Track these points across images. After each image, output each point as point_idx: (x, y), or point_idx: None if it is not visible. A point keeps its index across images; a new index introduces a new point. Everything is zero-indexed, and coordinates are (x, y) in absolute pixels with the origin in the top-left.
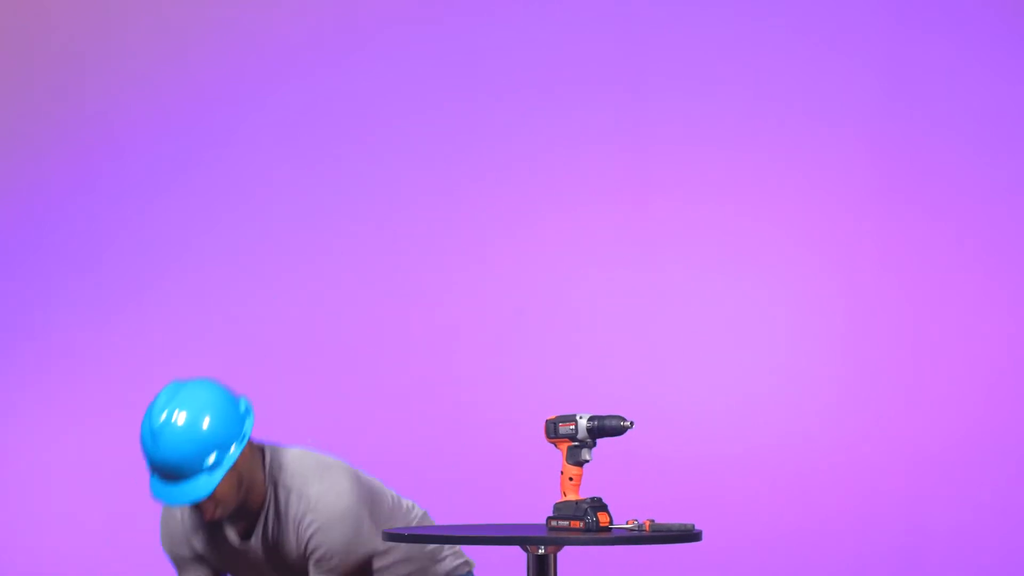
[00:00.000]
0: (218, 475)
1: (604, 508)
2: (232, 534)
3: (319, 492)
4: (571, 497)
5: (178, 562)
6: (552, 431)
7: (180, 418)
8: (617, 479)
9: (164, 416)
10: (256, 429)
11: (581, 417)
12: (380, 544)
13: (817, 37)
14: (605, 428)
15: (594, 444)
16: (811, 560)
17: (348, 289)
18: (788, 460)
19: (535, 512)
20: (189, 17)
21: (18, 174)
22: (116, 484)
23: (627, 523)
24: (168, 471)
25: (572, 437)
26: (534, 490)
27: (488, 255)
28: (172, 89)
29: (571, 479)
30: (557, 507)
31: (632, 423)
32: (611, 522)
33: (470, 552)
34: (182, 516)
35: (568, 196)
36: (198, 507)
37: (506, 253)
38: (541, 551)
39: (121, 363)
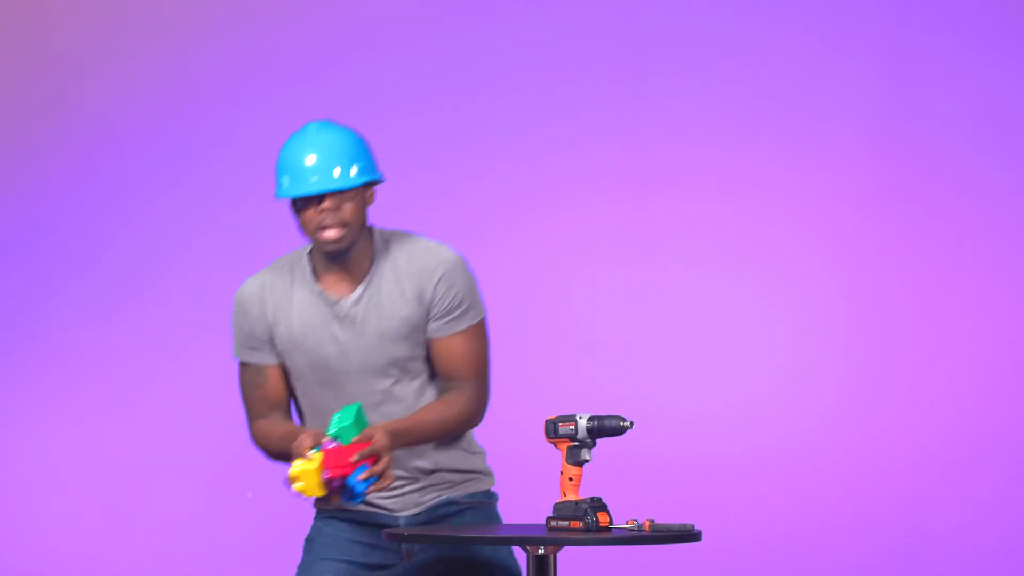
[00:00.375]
0: (361, 178)
1: (604, 508)
2: (333, 292)
3: (435, 245)
4: (571, 497)
5: (251, 345)
6: (552, 431)
7: (336, 126)
8: (617, 479)
9: (321, 123)
10: None
11: (581, 417)
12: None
13: (817, 37)
14: (605, 428)
15: (594, 444)
16: (811, 560)
17: None
18: (788, 460)
19: (535, 512)
20: (189, 17)
21: (18, 174)
22: (116, 484)
23: (627, 523)
24: (321, 156)
25: (572, 437)
26: (534, 490)
27: (488, 255)
28: (172, 89)
29: (571, 479)
30: (557, 507)
31: (632, 423)
32: (611, 522)
33: None
34: (282, 284)
35: (568, 196)
36: (324, 223)
37: (506, 253)
38: (541, 551)
39: (121, 363)
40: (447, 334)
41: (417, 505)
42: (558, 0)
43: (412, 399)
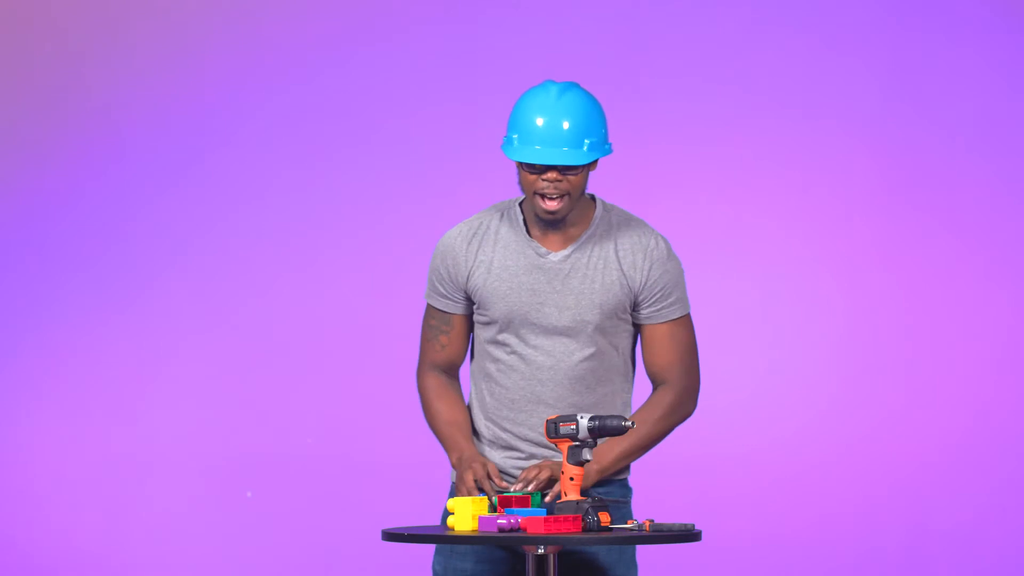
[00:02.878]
0: (593, 156)
1: (605, 508)
2: (543, 244)
3: (655, 231)
4: (572, 497)
5: (444, 291)
6: (553, 431)
7: (581, 91)
8: None
9: (566, 85)
10: (255, 427)
11: (582, 417)
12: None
13: (817, 37)
14: (606, 428)
15: (595, 444)
16: (811, 560)
17: (349, 289)
18: (788, 460)
19: None
20: (189, 17)
21: (18, 174)
22: (116, 484)
23: (627, 523)
24: (556, 129)
25: (573, 437)
26: None
27: None
28: (172, 89)
29: (572, 479)
30: (557, 507)
31: (632, 423)
32: (612, 522)
33: None
34: (490, 226)
35: None
36: (545, 194)
37: None
38: (541, 551)
39: (121, 363)
40: (659, 322)
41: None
42: (558, 1)
43: (591, 378)
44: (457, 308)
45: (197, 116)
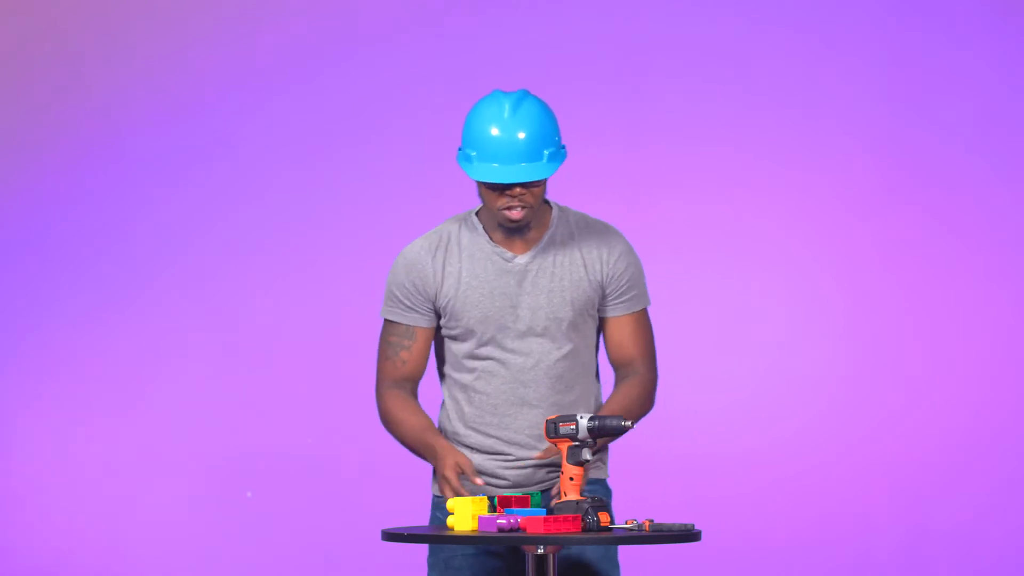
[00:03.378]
0: (555, 165)
1: (605, 508)
2: (507, 248)
3: (613, 227)
4: (571, 497)
5: (410, 303)
6: (552, 431)
7: (534, 101)
8: (618, 479)
9: (518, 97)
10: (255, 427)
11: (582, 417)
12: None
13: (817, 37)
14: (605, 428)
15: (594, 444)
16: (811, 560)
17: (349, 289)
18: (788, 460)
19: None
20: (189, 17)
21: (18, 174)
22: (116, 484)
23: (627, 523)
24: (516, 145)
25: (572, 437)
26: None
27: None
28: (172, 89)
29: (571, 479)
30: (557, 507)
31: (632, 423)
32: (612, 522)
33: None
34: (452, 238)
35: (568, 196)
36: (509, 207)
37: None
38: (540, 551)
39: (121, 363)
40: (622, 314)
41: (538, 483)
42: (558, 0)
43: (569, 376)
44: (422, 321)
45: (197, 116)
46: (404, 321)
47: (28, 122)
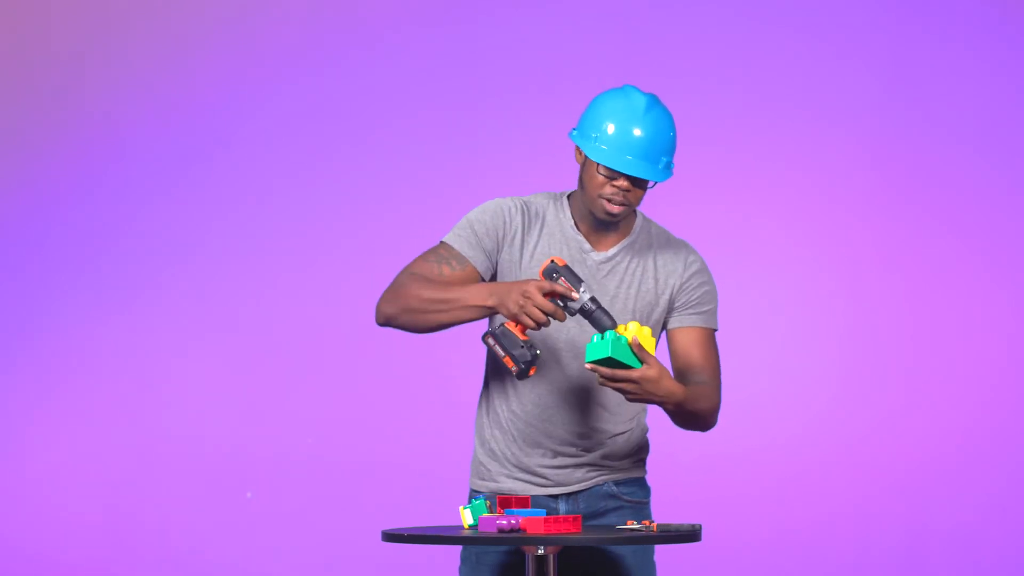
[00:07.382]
0: (667, 175)
1: (536, 361)
2: (588, 241)
3: (692, 246)
4: (518, 337)
5: (476, 241)
6: (549, 274)
7: (666, 109)
8: None
9: (654, 99)
10: (255, 427)
11: (586, 291)
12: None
13: (817, 37)
14: (600, 313)
15: (577, 313)
16: (811, 560)
17: (349, 289)
18: (788, 460)
19: None
20: (189, 17)
21: (18, 174)
22: (116, 484)
23: (627, 523)
24: (642, 141)
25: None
26: None
27: None
28: (172, 89)
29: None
30: (501, 330)
31: (624, 328)
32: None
33: None
34: (540, 210)
35: None
36: (612, 198)
37: None
38: (540, 551)
39: (121, 363)
40: (693, 325)
41: (579, 481)
42: (558, 1)
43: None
44: (479, 261)
45: (197, 116)
46: (464, 251)
47: (28, 122)
